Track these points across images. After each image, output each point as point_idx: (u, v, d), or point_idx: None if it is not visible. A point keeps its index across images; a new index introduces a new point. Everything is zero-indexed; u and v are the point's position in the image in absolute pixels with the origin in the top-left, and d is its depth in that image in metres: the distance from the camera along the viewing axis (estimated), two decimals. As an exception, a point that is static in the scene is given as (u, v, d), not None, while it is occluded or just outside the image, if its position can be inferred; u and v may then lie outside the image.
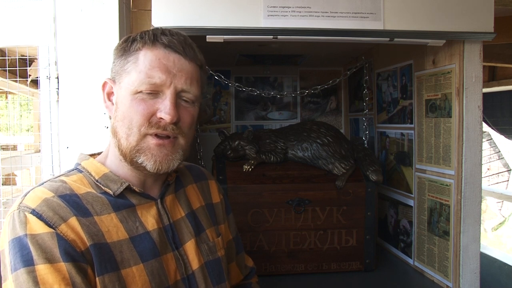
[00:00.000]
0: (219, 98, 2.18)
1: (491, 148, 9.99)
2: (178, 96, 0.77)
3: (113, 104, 0.80)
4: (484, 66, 1.75)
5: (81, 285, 0.64)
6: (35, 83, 1.63)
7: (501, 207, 9.33)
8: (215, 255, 0.88)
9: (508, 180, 10.01)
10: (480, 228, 1.33)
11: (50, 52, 1.24)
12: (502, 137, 5.43)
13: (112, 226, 0.72)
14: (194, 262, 0.83)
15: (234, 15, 1.13)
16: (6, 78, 1.39)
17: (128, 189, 0.78)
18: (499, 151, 10.07)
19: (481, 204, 1.33)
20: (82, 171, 0.79)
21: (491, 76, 3.46)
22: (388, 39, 1.20)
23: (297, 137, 1.57)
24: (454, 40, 1.28)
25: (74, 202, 0.71)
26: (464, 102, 1.29)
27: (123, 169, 0.80)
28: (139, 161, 0.75)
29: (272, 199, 1.44)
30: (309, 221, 1.47)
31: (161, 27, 0.81)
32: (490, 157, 9.99)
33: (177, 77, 0.75)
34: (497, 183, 9.95)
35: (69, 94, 1.25)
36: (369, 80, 1.85)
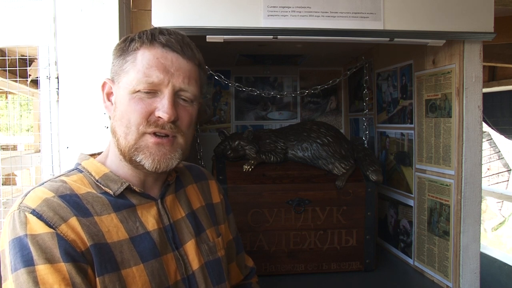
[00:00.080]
0: (219, 98, 2.18)
1: (491, 148, 9.99)
2: (176, 95, 0.76)
3: (112, 104, 0.80)
4: (484, 66, 1.75)
5: (81, 285, 0.64)
6: (35, 83, 1.62)
7: (501, 207, 9.33)
8: (215, 255, 0.88)
9: (508, 180, 10.01)
10: (480, 228, 1.33)
11: (50, 52, 1.24)
12: (502, 137, 5.42)
13: (112, 226, 0.72)
14: (194, 262, 0.83)
15: (234, 15, 1.13)
16: (6, 78, 1.39)
17: (128, 189, 0.78)
18: (499, 151, 10.07)
19: (481, 204, 1.33)
20: (82, 171, 0.79)
21: (491, 76, 3.45)
22: (388, 39, 1.20)
23: (297, 137, 1.57)
24: (454, 40, 1.28)
25: (74, 202, 0.71)
26: (464, 102, 1.29)
27: (123, 169, 0.80)
28: (138, 159, 0.75)
29: (272, 199, 1.44)
30: (309, 221, 1.47)
31: (159, 27, 0.81)
32: (490, 157, 9.99)
33: (175, 76, 0.75)
34: (497, 183, 9.95)
35: (69, 94, 1.25)
36: (369, 80, 1.85)
